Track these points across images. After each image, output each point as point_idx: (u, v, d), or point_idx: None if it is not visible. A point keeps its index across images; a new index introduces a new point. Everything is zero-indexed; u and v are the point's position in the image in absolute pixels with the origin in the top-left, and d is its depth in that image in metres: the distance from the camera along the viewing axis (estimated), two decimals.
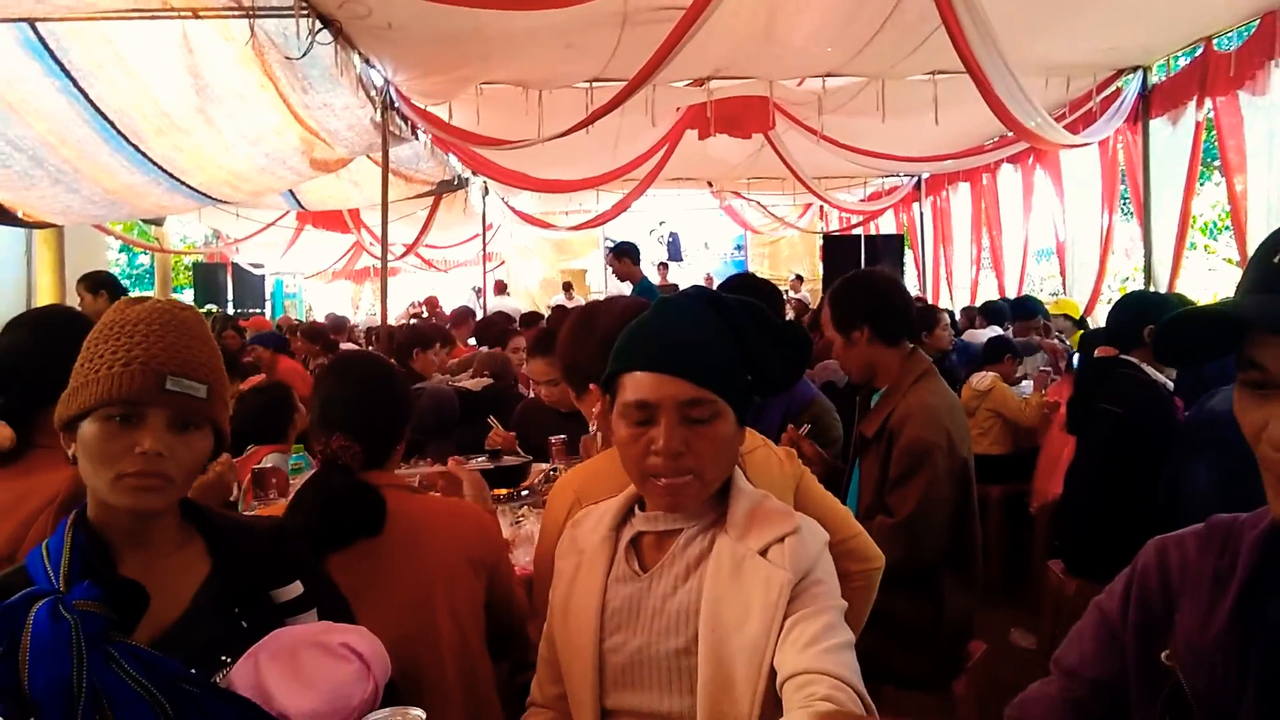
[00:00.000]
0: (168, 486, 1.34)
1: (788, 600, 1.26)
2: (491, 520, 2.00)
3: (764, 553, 1.32)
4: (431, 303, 14.84)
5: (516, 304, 13.98)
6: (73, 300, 5.98)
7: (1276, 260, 0.84)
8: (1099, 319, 8.32)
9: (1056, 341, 6.29)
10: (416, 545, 1.80)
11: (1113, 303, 9.12)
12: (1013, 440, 5.21)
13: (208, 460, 1.42)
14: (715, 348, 1.32)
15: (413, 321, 9.82)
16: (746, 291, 3.29)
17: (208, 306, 14.71)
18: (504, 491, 3.09)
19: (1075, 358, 5.79)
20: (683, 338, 1.32)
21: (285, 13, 4.90)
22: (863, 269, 3.68)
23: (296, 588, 1.42)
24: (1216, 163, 7.23)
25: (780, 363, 1.39)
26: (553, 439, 3.45)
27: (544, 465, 3.41)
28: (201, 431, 1.39)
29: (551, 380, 3.62)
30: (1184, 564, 0.97)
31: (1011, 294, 10.36)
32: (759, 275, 15.19)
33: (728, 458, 1.37)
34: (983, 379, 5.23)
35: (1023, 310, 6.38)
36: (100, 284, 5.44)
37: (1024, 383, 5.59)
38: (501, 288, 15.12)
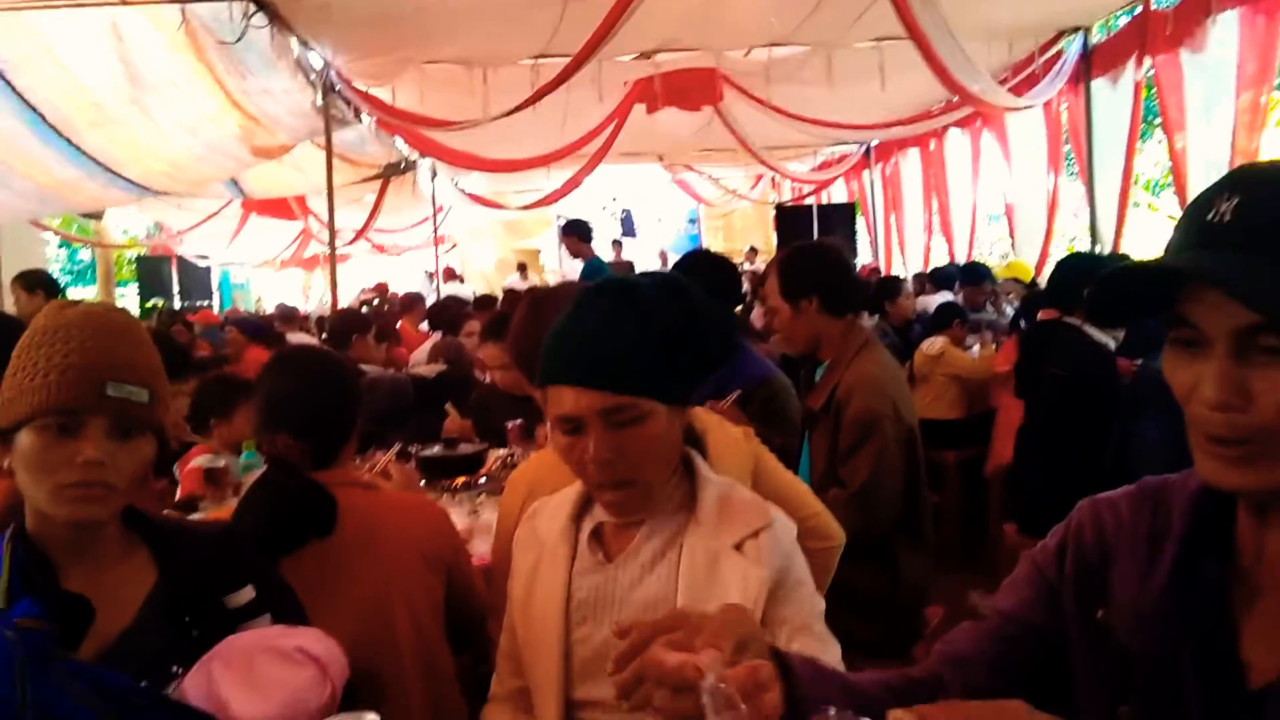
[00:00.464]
0: (110, 495, 1.30)
1: (765, 598, 1.27)
2: (444, 514, 1.98)
3: (738, 547, 1.32)
4: (382, 289, 14.68)
5: (467, 291, 13.88)
6: (8, 300, 5.82)
7: (1210, 218, 0.84)
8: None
9: (1007, 308, 6.38)
10: (370, 543, 1.77)
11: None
12: (967, 404, 5.30)
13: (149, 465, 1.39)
14: (631, 349, 1.28)
15: (364, 309, 9.69)
16: (701, 269, 3.31)
17: (153, 301, 14.43)
18: (461, 480, 3.07)
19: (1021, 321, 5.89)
20: (596, 345, 1.29)
21: None
22: (812, 240, 3.69)
23: (248, 592, 1.39)
24: (1158, 120, 7.33)
25: (707, 343, 1.36)
26: (509, 424, 3.43)
27: (501, 451, 3.39)
28: (144, 438, 1.35)
29: (505, 365, 3.58)
30: (1118, 524, 0.99)
31: (962, 258, 10.49)
32: (713, 249, 15.25)
33: (666, 454, 1.35)
34: (933, 344, 5.30)
35: (971, 275, 6.47)
36: (36, 283, 5.30)
37: (975, 347, 5.67)
38: (451, 274, 14.97)
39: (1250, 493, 0.86)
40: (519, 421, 3.41)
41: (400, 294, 12.83)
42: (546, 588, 1.41)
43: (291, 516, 1.71)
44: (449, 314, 6.73)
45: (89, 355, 1.31)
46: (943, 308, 5.73)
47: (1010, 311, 6.49)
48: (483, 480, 3.13)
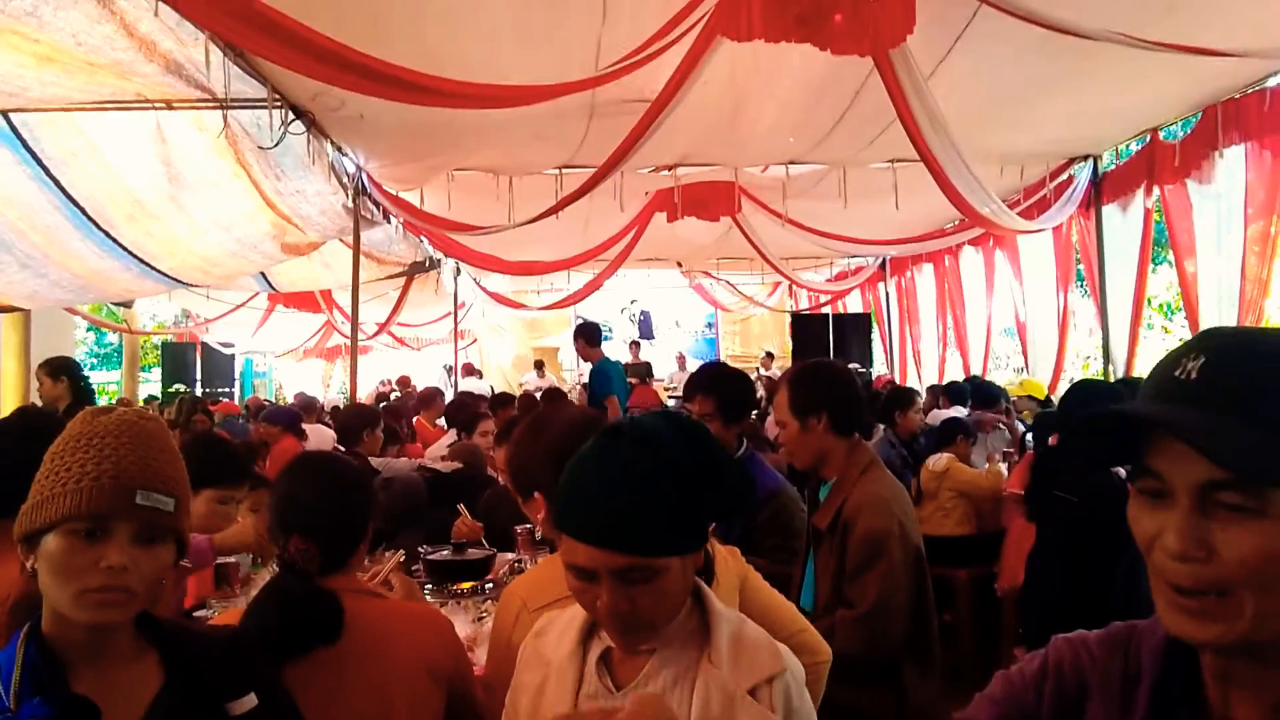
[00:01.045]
0: (131, 600, 1.33)
1: None
2: (449, 625, 1.99)
3: (753, 692, 1.32)
4: (403, 382, 14.81)
5: (484, 386, 13.99)
6: (35, 384, 5.93)
7: (1177, 374, 0.88)
8: None
9: (1018, 424, 6.38)
10: (376, 653, 1.78)
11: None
12: (976, 521, 5.26)
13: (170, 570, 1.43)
14: (651, 510, 1.27)
15: (382, 405, 9.76)
16: (717, 382, 3.38)
17: (176, 387, 14.59)
18: (468, 585, 3.07)
19: (1029, 436, 5.88)
20: (614, 504, 1.27)
21: (259, 104, 4.99)
22: (823, 359, 3.75)
23: (251, 700, 1.41)
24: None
25: (726, 495, 1.36)
26: (518, 529, 3.44)
27: (509, 556, 3.40)
28: (166, 544, 1.39)
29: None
30: (1093, 664, 1.00)
31: (977, 372, 10.53)
32: (729, 353, 15.26)
33: (677, 597, 1.35)
34: (938, 460, 5.29)
35: (983, 397, 6.47)
36: (61, 369, 5.40)
37: (984, 466, 5.65)
38: (470, 370, 15.11)
39: (1212, 646, 0.88)
40: (527, 527, 3.42)
41: (418, 388, 12.94)
42: (552, 711, 1.38)
43: (299, 624, 1.73)
44: (466, 413, 6.78)
45: (121, 463, 1.35)
46: (947, 423, 5.73)
47: (1021, 428, 6.49)
48: (489, 586, 3.13)
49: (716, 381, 3.39)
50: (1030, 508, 3.73)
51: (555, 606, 1.57)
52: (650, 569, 1.27)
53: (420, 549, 3.27)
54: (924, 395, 9.20)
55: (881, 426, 6.13)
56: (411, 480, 3.81)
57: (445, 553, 3.20)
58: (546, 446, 1.88)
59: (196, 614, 2.67)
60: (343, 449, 5.33)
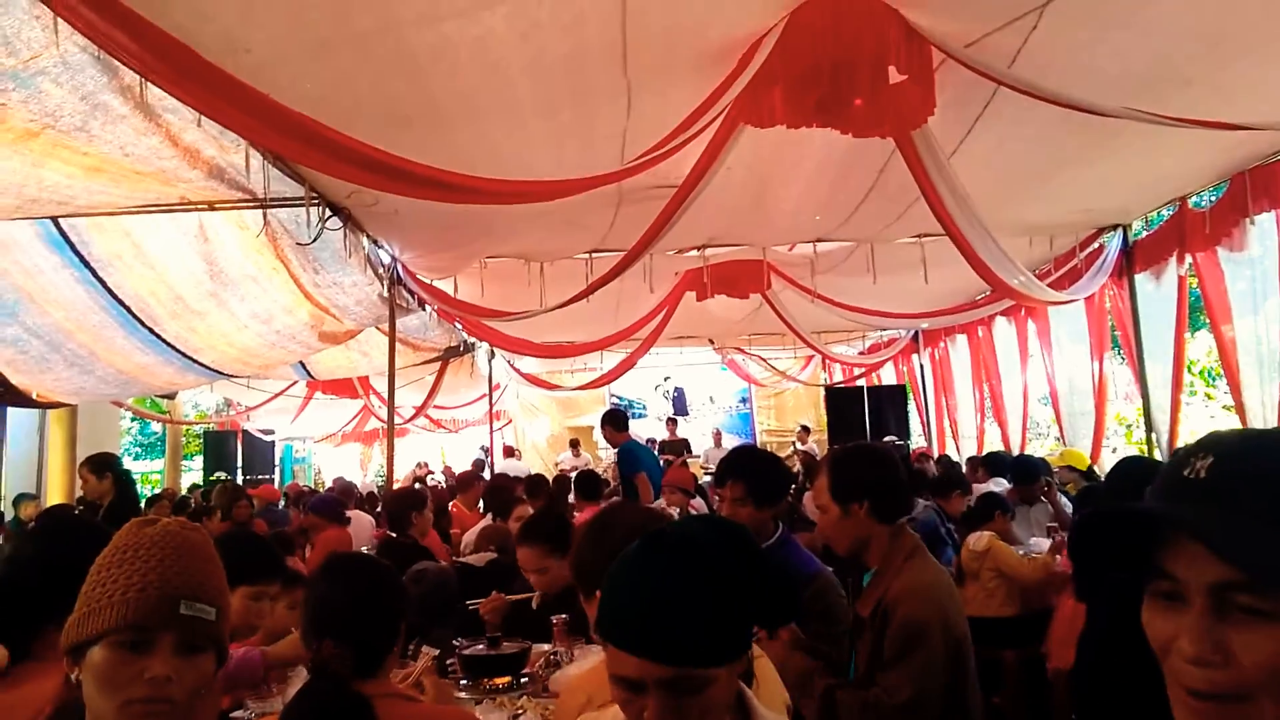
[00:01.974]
0: (174, 711, 1.34)
1: None
2: None
3: None
4: (447, 473, 14.90)
5: (524, 466, 14.01)
6: (79, 480, 6.03)
7: (1186, 474, 0.87)
8: (1105, 465, 8.30)
9: (1063, 499, 6.24)
10: None
11: (1117, 453, 9.07)
12: (1021, 600, 5.11)
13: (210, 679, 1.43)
14: (697, 620, 1.26)
15: (416, 485, 9.80)
16: (749, 466, 3.35)
17: (217, 474, 14.75)
18: (503, 681, 3.02)
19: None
20: (661, 617, 1.25)
21: (297, 203, 5.13)
22: (864, 443, 3.72)
23: None
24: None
25: (768, 606, 1.37)
26: (555, 619, 3.39)
27: (545, 648, 3.35)
28: (207, 654, 1.40)
29: (541, 569, 3.60)
30: None
31: (1016, 442, 10.38)
32: (766, 429, 15.18)
33: (724, 708, 1.33)
34: (979, 539, 5.17)
35: (1023, 474, 6.35)
36: (104, 466, 5.50)
37: (1034, 540, 5.51)
38: (509, 452, 15.17)
39: None
40: (563, 617, 3.38)
41: (456, 471, 12.98)
42: None
43: None
44: (502, 496, 6.79)
45: (166, 574, 1.38)
46: (985, 499, 5.61)
47: (1067, 502, 6.35)
48: (524, 680, 3.09)
49: (748, 465, 3.36)
50: (1079, 588, 3.63)
51: None
52: (698, 679, 1.26)
53: (455, 642, 3.23)
54: (964, 467, 9.10)
55: (926, 500, 6.07)
56: (443, 573, 3.79)
57: (480, 647, 3.16)
58: (609, 549, 1.88)
59: (233, 715, 2.65)
60: (394, 535, 5.35)
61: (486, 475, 10.67)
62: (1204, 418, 11.85)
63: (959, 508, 6.01)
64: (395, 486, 8.99)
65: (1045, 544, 5.44)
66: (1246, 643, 0.81)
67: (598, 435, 17.31)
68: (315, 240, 5.30)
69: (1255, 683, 0.80)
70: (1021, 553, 5.26)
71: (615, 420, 7.37)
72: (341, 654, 1.83)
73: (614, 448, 7.35)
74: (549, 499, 6.24)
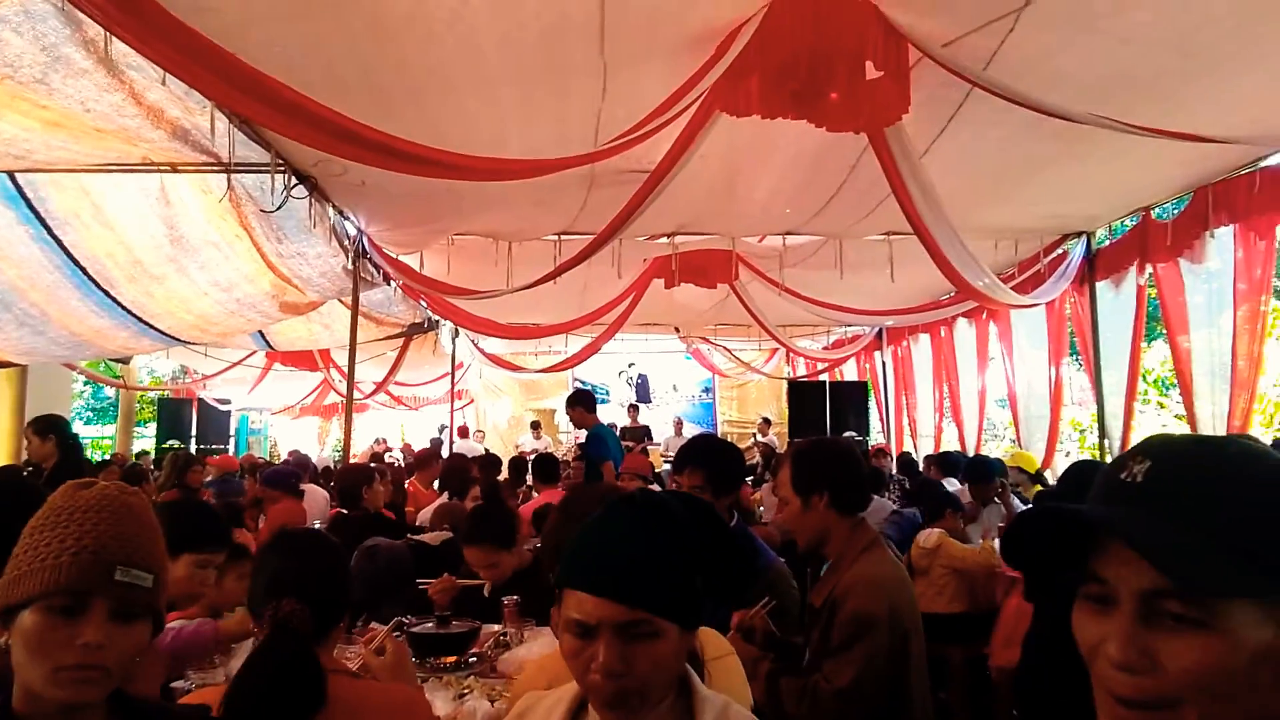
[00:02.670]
0: (105, 679, 1.31)
1: None
2: (427, 710, 1.95)
3: None
4: (406, 450, 14.79)
5: (476, 446, 13.96)
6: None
7: (1123, 476, 0.87)
8: (1058, 469, 8.43)
9: (1015, 501, 6.32)
10: None
11: (1070, 457, 9.20)
12: (970, 598, 5.18)
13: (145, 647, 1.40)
14: (657, 567, 1.30)
15: (372, 463, 9.70)
16: (710, 455, 3.35)
17: (170, 442, 14.53)
18: (450, 660, 3.00)
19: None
20: (623, 558, 1.30)
21: (262, 169, 5.04)
22: (827, 437, 3.73)
23: None
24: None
25: (727, 576, 1.39)
26: (505, 600, 3.38)
27: (495, 628, 3.34)
28: (143, 621, 1.37)
29: (490, 565, 3.60)
30: None
31: (972, 442, 10.50)
32: (728, 419, 15.20)
33: (670, 670, 1.35)
34: (929, 536, 5.23)
35: (976, 474, 6.44)
36: (49, 428, 5.37)
37: (977, 541, 5.58)
38: (465, 432, 15.09)
39: None
40: (514, 598, 3.37)
41: (416, 449, 12.87)
42: None
43: (294, 688, 1.69)
44: (458, 476, 6.76)
45: (102, 539, 1.34)
46: (937, 497, 5.68)
47: (1018, 504, 6.44)
48: (473, 659, 3.07)
49: (707, 454, 3.37)
50: (1029, 588, 3.67)
51: None
52: (650, 627, 1.28)
53: (404, 620, 3.21)
54: (921, 465, 9.21)
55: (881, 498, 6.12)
56: (396, 549, 3.75)
57: (428, 625, 3.14)
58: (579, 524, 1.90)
59: (174, 685, 2.61)
60: (345, 512, 5.31)
61: (446, 454, 10.63)
62: (1156, 425, 12.08)
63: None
64: (352, 462, 8.91)
65: (996, 545, 5.52)
66: (1174, 650, 0.80)
67: (560, 418, 17.30)
68: (280, 208, 5.22)
69: (1181, 691, 0.80)
70: None
71: (585, 401, 7.32)
72: (302, 611, 1.81)
73: (581, 429, 7.30)
74: (491, 488, 6.18)
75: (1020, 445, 9.34)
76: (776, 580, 3.13)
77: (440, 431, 15.17)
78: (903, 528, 5.75)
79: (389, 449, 16.68)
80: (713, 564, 1.36)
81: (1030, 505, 5.89)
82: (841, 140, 4.82)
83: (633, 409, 15.47)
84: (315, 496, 7.13)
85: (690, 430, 15.96)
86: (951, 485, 6.94)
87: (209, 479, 8.05)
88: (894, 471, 9.61)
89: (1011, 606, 4.60)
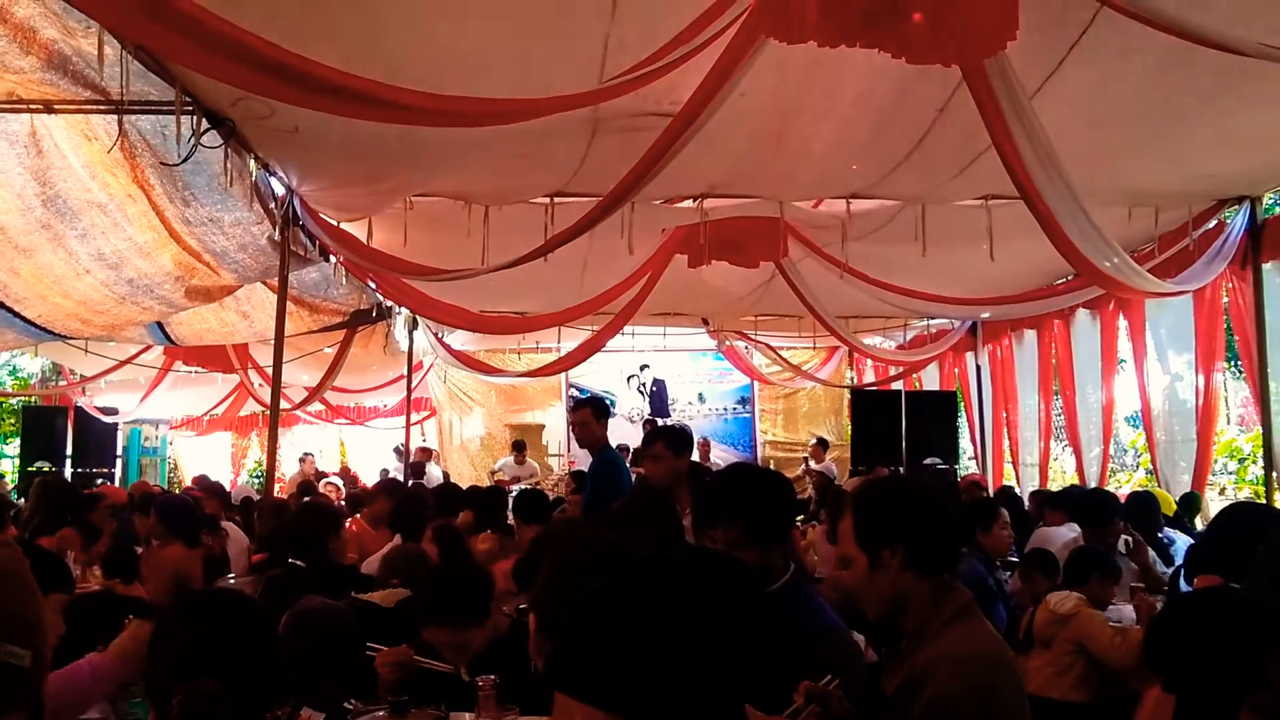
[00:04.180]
0: None
1: None
2: None
3: None
4: (346, 475, 14.85)
5: (435, 474, 14.02)
6: None
7: None
8: (1209, 512, 8.39)
9: (1153, 556, 6.28)
10: None
11: (1226, 495, 9.13)
12: (1100, 684, 5.14)
13: None
14: (668, 664, 1.29)
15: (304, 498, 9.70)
16: (744, 499, 3.32)
17: (39, 464, 14.60)
18: None
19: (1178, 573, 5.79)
20: (629, 658, 1.30)
21: (164, 109, 5.06)
22: (897, 474, 3.73)
23: None
24: None
25: (765, 665, 1.39)
26: (481, 680, 3.39)
27: (467, 716, 3.35)
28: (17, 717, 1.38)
29: (458, 646, 3.59)
30: None
31: (1093, 473, 10.46)
32: (771, 439, 15.11)
33: None
34: (1064, 601, 5.17)
35: (1093, 513, 6.37)
36: None
37: (1120, 607, 5.53)
38: (426, 455, 15.10)
39: None
40: (491, 679, 3.37)
41: (366, 477, 12.87)
42: None
43: None
44: (411, 512, 6.77)
45: None
46: (1079, 556, 5.61)
47: (1155, 556, 6.40)
48: None
49: (742, 498, 3.34)
50: (1166, 673, 3.65)
51: None
52: None
53: (347, 704, 3.22)
54: (1027, 504, 9.17)
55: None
56: (334, 614, 3.77)
57: (380, 714, 3.15)
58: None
59: None
60: (302, 564, 5.31)
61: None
62: None
63: (1001, 545, 6.00)
64: (278, 491, 8.93)
65: (1129, 611, 5.47)
66: None
67: (549, 437, 17.32)
68: (186, 160, 5.24)
69: None
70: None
71: (596, 408, 7.22)
72: (219, 696, 1.82)
73: (586, 448, 7.24)
74: (449, 538, 6.16)
75: (1157, 478, 9.29)
76: (837, 653, 3.11)
77: (397, 455, 15.16)
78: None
79: (324, 475, 16.74)
80: (745, 645, 1.35)
81: (1185, 563, 5.82)
82: (926, 76, 4.80)
83: (649, 424, 15.45)
84: (236, 541, 7.15)
85: (721, 455, 15.96)
86: (1074, 531, 6.91)
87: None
88: None
89: (1151, 699, 4.57)
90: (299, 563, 5.30)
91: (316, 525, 5.44)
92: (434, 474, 14.23)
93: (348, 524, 8.02)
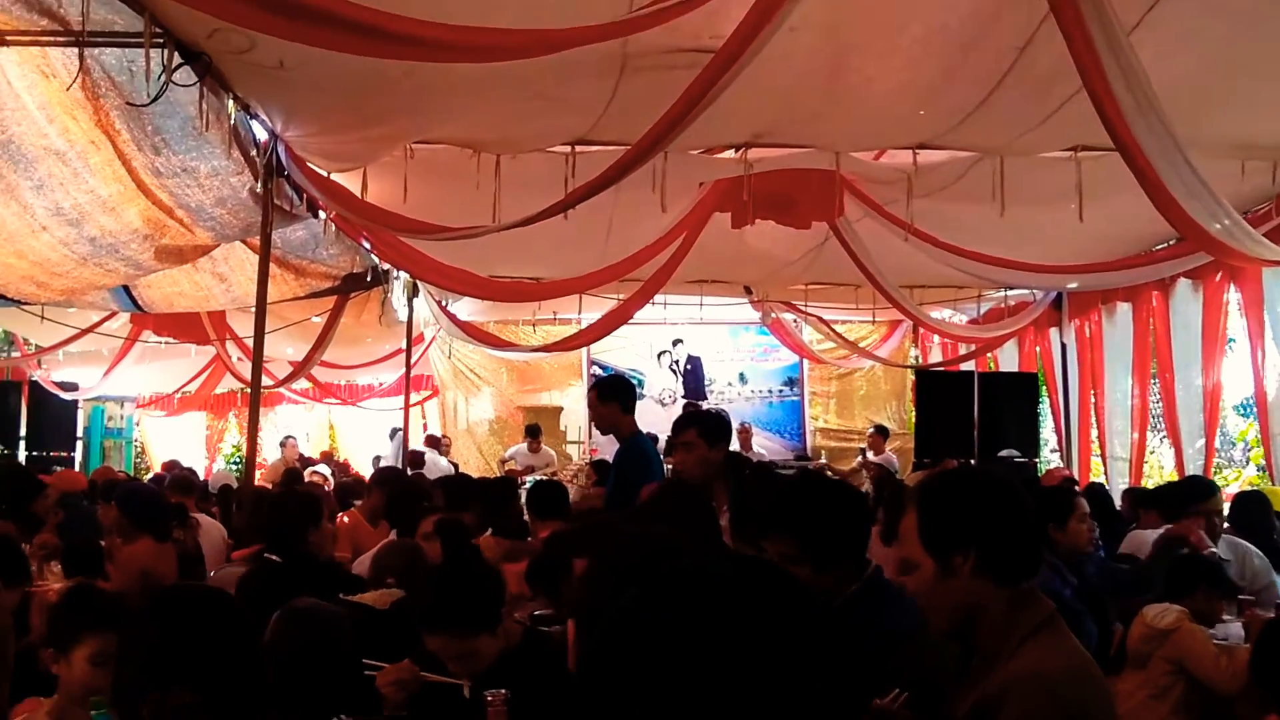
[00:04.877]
0: None
1: None
2: None
3: None
4: (331, 457, 14.88)
5: (444, 464, 14.04)
6: None
7: None
8: None
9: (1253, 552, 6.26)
10: None
11: None
12: (1203, 712, 5.12)
13: None
14: (700, 692, 1.29)
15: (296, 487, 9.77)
16: (801, 509, 3.33)
17: None
18: None
19: None
20: (664, 684, 1.30)
21: (131, 41, 5.07)
22: (972, 465, 3.72)
23: None
24: None
25: (824, 691, 1.38)
26: (489, 694, 3.41)
27: None
28: None
29: (464, 655, 3.59)
30: None
31: (1196, 467, 10.38)
32: (823, 427, 15.10)
33: None
34: (1163, 614, 5.14)
35: (1173, 499, 6.35)
36: None
37: (1228, 625, 5.49)
38: (434, 442, 15.13)
39: None
40: (502, 693, 3.38)
41: (360, 465, 12.89)
42: None
43: None
44: (405, 503, 6.79)
45: None
46: (1186, 563, 5.58)
47: (1259, 558, 6.38)
48: None
49: (800, 508, 3.35)
50: (1275, 691, 3.65)
51: None
52: None
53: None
54: (1119, 501, 9.13)
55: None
56: (332, 618, 3.80)
57: None
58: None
59: None
60: (278, 558, 5.34)
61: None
62: None
63: (1079, 539, 5.93)
64: (259, 478, 8.98)
65: (1237, 629, 5.43)
66: None
67: (567, 421, 17.32)
68: (156, 101, 5.25)
69: None
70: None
71: (620, 394, 7.18)
72: (196, 708, 1.84)
73: (609, 434, 7.22)
74: (457, 535, 6.18)
75: (1272, 473, 9.22)
76: (924, 658, 3.11)
77: (396, 441, 15.20)
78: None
79: (311, 460, 16.83)
80: (798, 671, 1.34)
81: None
82: (1007, 6, 4.76)
83: (690, 408, 15.39)
84: (211, 533, 7.21)
85: (765, 444, 15.95)
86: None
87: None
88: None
89: None
90: (274, 557, 5.32)
91: (294, 515, 5.43)
92: (439, 464, 14.24)
93: (340, 518, 8.09)
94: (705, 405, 16.99)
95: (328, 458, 16.69)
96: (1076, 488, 10.00)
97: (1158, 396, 11.32)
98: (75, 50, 5.05)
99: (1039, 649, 2.66)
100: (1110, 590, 5.92)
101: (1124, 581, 6.26)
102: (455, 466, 14.58)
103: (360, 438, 19.50)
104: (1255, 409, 9.57)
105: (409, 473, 11.41)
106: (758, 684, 1.30)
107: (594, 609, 2.14)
